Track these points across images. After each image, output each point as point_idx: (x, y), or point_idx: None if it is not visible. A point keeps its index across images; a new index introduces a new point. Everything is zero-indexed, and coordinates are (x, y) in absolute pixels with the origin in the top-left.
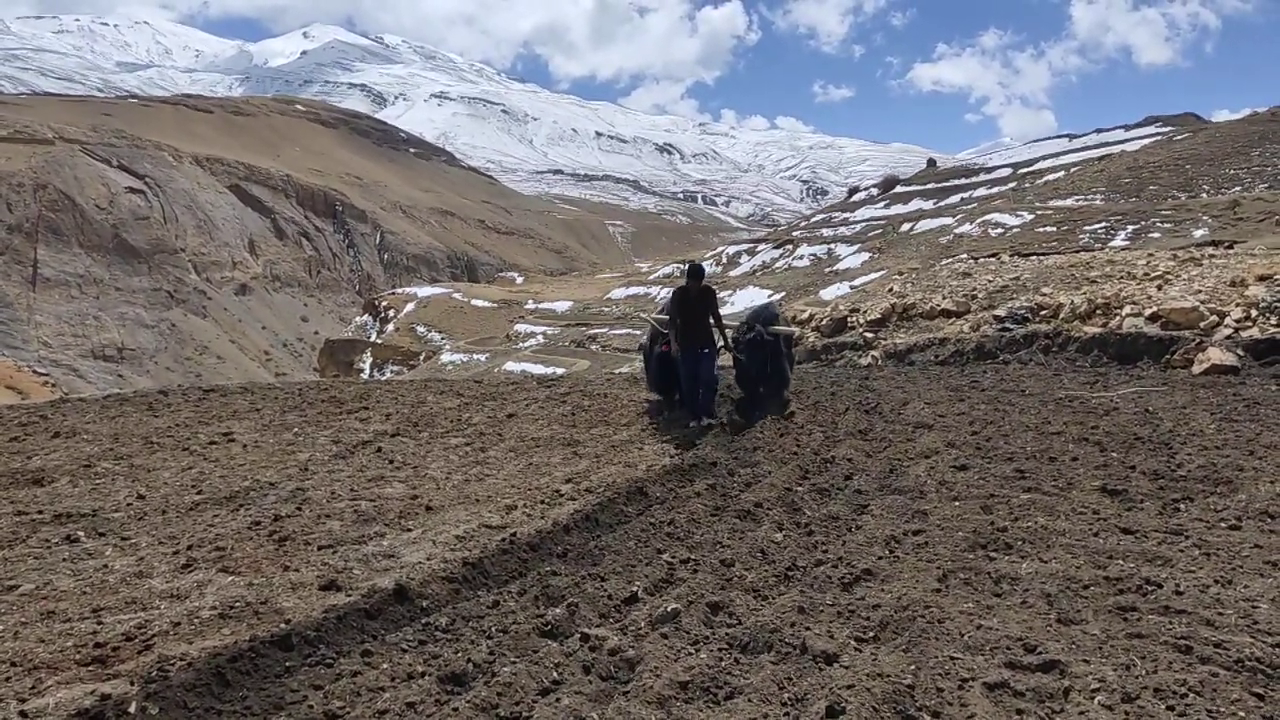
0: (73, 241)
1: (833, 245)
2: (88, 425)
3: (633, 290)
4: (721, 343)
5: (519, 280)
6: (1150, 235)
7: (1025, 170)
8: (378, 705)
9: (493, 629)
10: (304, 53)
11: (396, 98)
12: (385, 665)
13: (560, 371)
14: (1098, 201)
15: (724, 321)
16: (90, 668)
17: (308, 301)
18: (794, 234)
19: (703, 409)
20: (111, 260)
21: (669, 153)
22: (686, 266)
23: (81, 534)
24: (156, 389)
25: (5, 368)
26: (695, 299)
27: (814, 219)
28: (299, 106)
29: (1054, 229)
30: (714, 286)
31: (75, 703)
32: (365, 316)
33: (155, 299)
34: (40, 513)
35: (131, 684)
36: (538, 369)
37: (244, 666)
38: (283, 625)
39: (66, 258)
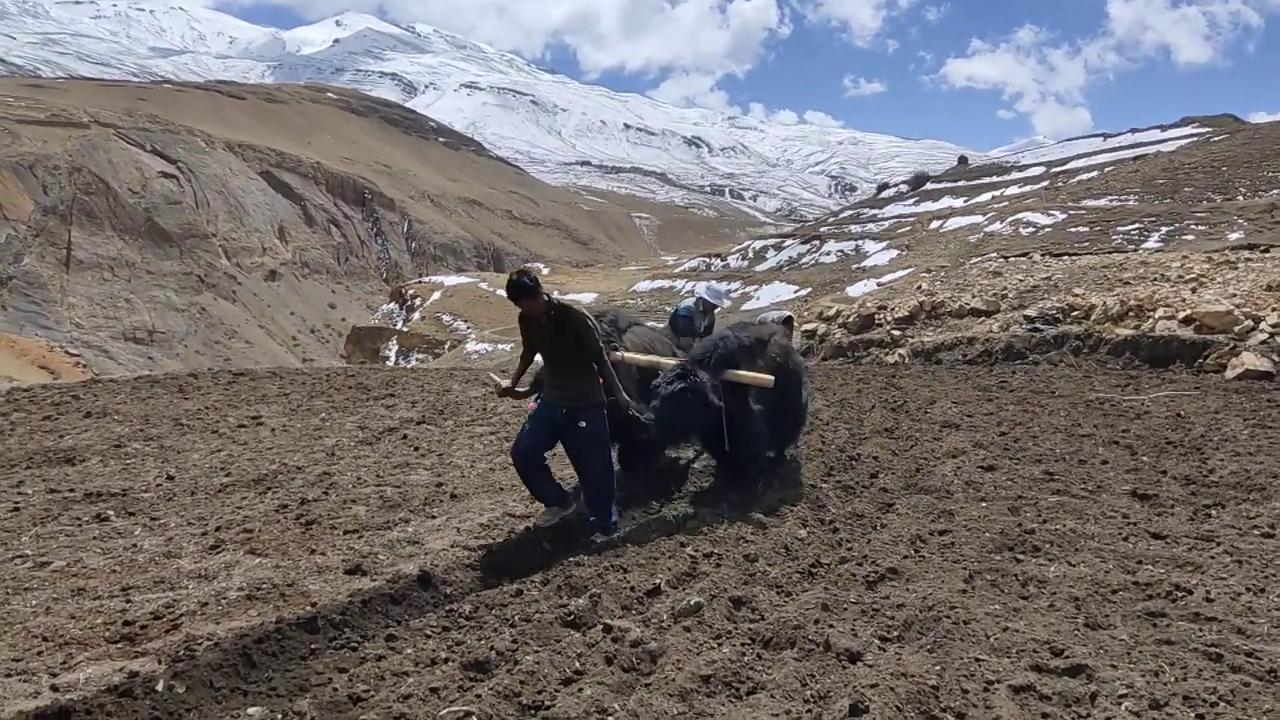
0: (106, 225)
1: (860, 242)
2: (119, 406)
3: (658, 284)
4: (629, 402)
5: (544, 271)
6: (1185, 237)
7: (1058, 169)
8: (401, 690)
9: (516, 617)
10: (336, 41)
11: (427, 87)
12: (409, 650)
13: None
14: (1132, 202)
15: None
16: (119, 645)
17: (335, 288)
18: (821, 230)
19: (595, 518)
20: (144, 244)
21: (697, 146)
22: (509, 280)
23: (111, 513)
24: (186, 372)
25: (38, 348)
26: (550, 331)
27: (842, 215)
28: (330, 94)
29: (1087, 229)
30: (580, 309)
31: (105, 679)
32: (392, 304)
33: (186, 283)
34: (71, 491)
35: (159, 662)
36: None
37: (270, 648)
38: (309, 608)
39: (100, 240)
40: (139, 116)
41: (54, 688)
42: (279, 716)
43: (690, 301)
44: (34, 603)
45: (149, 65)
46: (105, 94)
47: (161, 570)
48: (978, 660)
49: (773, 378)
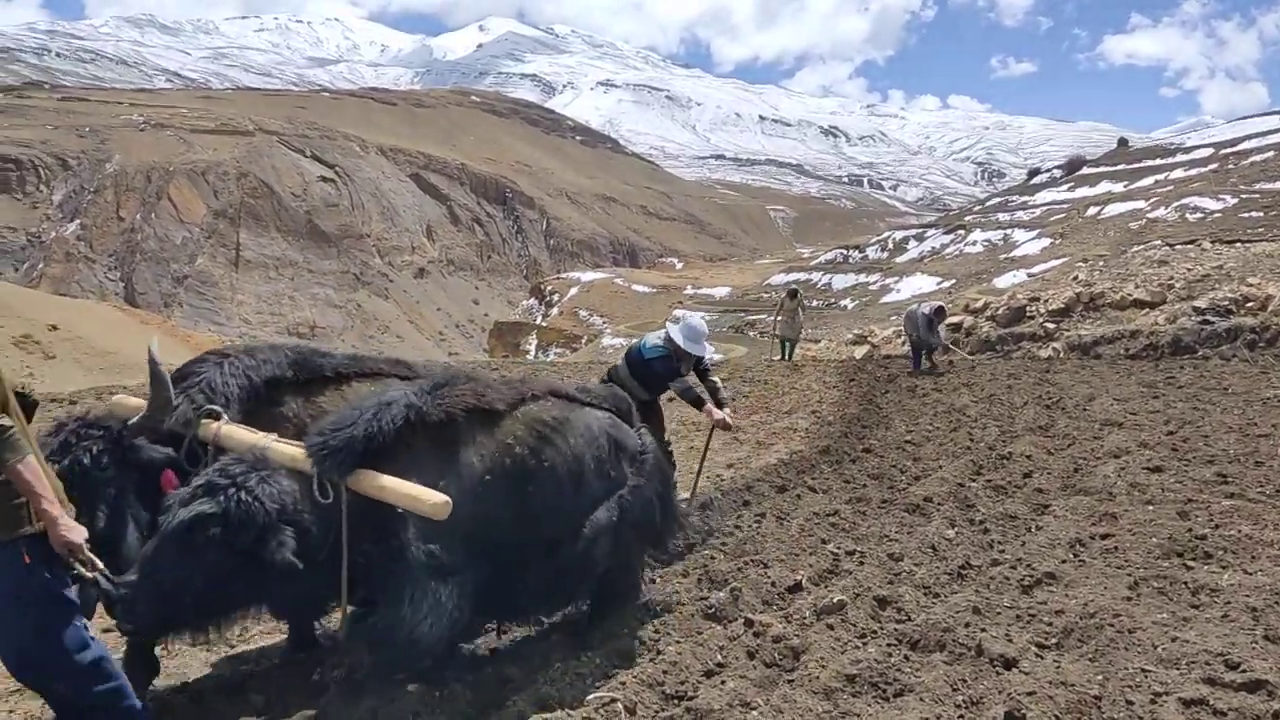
0: (270, 226)
1: (1009, 230)
2: None
3: (793, 276)
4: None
5: (678, 266)
6: None
7: (1229, 150)
8: (550, 674)
9: (658, 608)
10: (479, 45)
11: (565, 86)
12: (555, 637)
13: (719, 357)
14: None
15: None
16: None
17: (479, 285)
18: (966, 219)
19: None
20: (305, 244)
21: (834, 136)
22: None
23: None
24: None
25: (211, 342)
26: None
27: (989, 202)
28: (474, 98)
29: (1261, 214)
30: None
31: (276, 652)
32: (531, 300)
33: (343, 281)
34: None
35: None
36: None
37: None
38: None
39: (265, 241)
40: (299, 124)
41: (231, 659)
42: (436, 694)
43: (656, 338)
44: None
45: (306, 75)
46: (267, 103)
47: None
48: (1144, 671)
49: (444, 500)
